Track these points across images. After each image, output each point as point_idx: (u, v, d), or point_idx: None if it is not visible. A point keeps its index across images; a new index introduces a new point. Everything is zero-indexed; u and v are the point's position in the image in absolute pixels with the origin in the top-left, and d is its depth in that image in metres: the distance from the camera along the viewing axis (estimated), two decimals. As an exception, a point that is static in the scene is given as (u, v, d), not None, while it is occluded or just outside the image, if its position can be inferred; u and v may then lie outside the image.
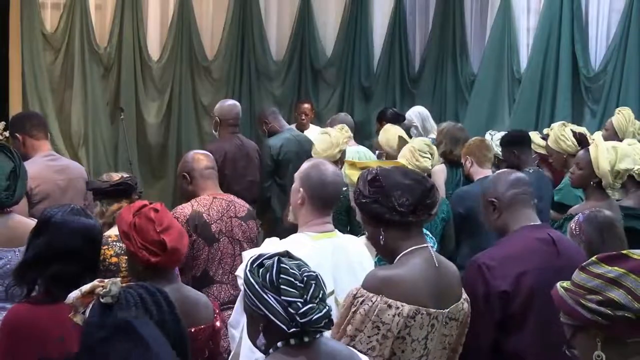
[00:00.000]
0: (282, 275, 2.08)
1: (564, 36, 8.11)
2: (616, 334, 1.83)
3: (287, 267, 2.10)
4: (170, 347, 1.69)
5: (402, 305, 2.56)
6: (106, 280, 1.88)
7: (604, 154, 4.25)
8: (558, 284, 1.94)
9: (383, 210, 2.66)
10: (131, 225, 2.94)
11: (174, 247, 2.93)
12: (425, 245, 2.72)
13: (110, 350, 1.62)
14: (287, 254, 2.19)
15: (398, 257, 2.68)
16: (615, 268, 1.86)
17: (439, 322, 2.67)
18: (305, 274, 2.10)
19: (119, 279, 1.94)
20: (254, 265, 2.14)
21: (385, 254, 2.75)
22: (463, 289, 2.90)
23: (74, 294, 1.90)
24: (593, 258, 1.92)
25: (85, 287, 1.88)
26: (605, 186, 4.28)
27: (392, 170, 2.78)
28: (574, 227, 3.51)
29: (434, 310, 2.64)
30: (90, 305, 1.86)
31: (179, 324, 1.93)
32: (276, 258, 2.12)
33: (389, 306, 2.56)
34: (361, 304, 2.58)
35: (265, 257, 2.15)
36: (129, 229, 2.94)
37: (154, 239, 2.91)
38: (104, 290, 1.84)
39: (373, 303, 2.56)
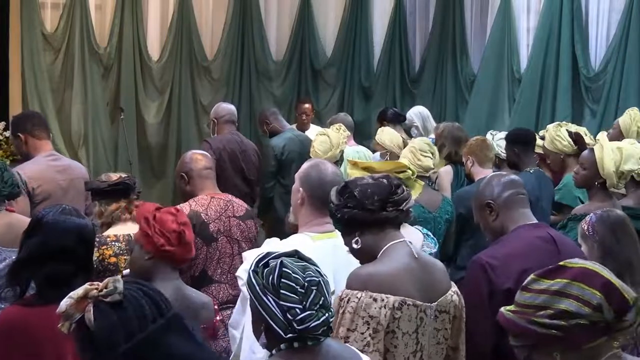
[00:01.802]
0: (283, 280, 2.05)
1: (564, 36, 8.10)
2: (573, 344, 1.85)
3: (289, 270, 2.07)
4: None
5: (387, 297, 2.59)
6: (104, 281, 1.86)
7: (610, 155, 4.25)
8: (502, 309, 1.96)
9: (354, 212, 2.71)
10: (152, 213, 3.04)
11: (189, 241, 3.04)
12: (402, 239, 2.74)
13: (165, 344, 1.64)
14: (295, 254, 2.16)
15: (378, 256, 2.70)
16: (558, 280, 1.88)
17: (428, 316, 2.68)
18: (308, 278, 2.08)
19: (119, 276, 1.92)
20: (259, 265, 2.11)
21: (364, 257, 2.77)
22: (464, 287, 2.90)
23: (66, 302, 1.85)
24: (532, 276, 1.95)
25: (78, 292, 1.85)
26: (609, 187, 4.28)
27: (360, 177, 2.87)
28: (586, 228, 3.50)
29: (421, 303, 2.66)
30: (91, 310, 1.83)
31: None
32: (280, 260, 2.10)
33: (374, 299, 2.58)
34: (347, 302, 2.60)
35: (272, 256, 2.13)
36: (151, 217, 3.03)
37: (174, 228, 3.00)
38: (106, 290, 1.82)
39: (359, 299, 2.59)
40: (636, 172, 4.35)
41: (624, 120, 6.08)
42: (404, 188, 2.79)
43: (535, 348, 1.89)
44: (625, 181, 4.31)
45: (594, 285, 1.85)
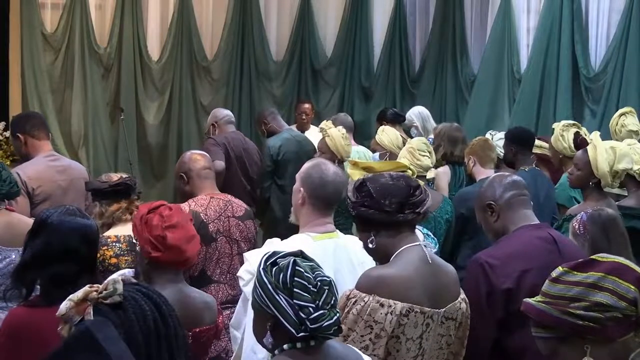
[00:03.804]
0: (296, 278, 2.05)
1: (564, 36, 8.10)
2: (607, 336, 1.85)
3: (301, 270, 2.07)
4: (129, 352, 1.67)
5: (394, 304, 2.58)
6: (104, 282, 1.86)
7: (603, 154, 4.25)
8: (531, 300, 1.95)
9: (371, 212, 2.70)
10: (142, 218, 2.98)
11: (175, 245, 2.93)
12: (417, 243, 2.73)
13: None
14: (300, 254, 2.16)
15: (392, 257, 2.70)
16: (591, 273, 1.89)
17: (434, 322, 2.68)
18: (319, 278, 2.08)
19: (118, 276, 1.92)
20: (267, 264, 2.11)
21: (378, 257, 2.77)
22: (463, 287, 2.90)
23: (66, 305, 1.84)
24: (562, 268, 1.94)
25: (77, 295, 1.85)
26: (604, 186, 4.28)
27: (378, 175, 2.86)
28: (577, 227, 3.51)
29: (429, 309, 2.65)
30: (91, 312, 1.83)
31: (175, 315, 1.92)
32: (292, 259, 2.09)
33: (381, 305, 2.58)
34: (354, 304, 2.60)
35: (279, 255, 2.12)
36: (139, 222, 2.99)
37: (158, 233, 2.93)
38: (106, 291, 1.82)
39: (365, 303, 2.58)
40: (636, 171, 4.35)
41: (612, 119, 6.10)
42: (422, 189, 2.77)
43: (565, 340, 1.89)
44: (619, 180, 4.30)
45: (629, 280, 1.86)
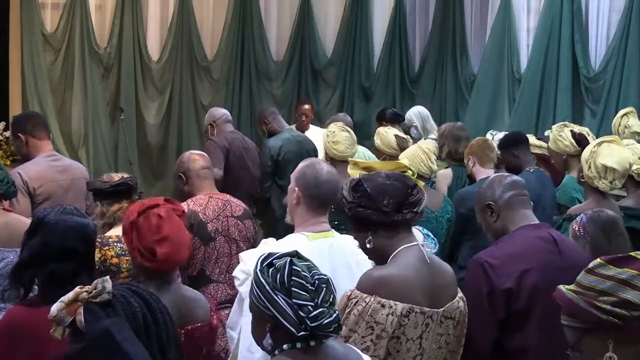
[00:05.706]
0: (293, 278, 2.05)
1: (564, 36, 8.10)
2: (630, 335, 1.84)
3: (298, 269, 2.07)
4: (145, 350, 1.67)
5: (395, 305, 2.58)
6: (93, 282, 1.87)
7: (590, 147, 4.26)
8: (563, 288, 1.94)
9: (368, 212, 2.68)
10: (133, 224, 2.93)
11: (165, 258, 2.89)
12: (415, 243, 2.73)
13: None
14: (296, 254, 2.16)
15: (390, 258, 2.69)
16: (626, 269, 1.87)
17: (434, 322, 2.68)
18: (316, 276, 2.08)
19: (107, 277, 1.93)
20: (263, 265, 2.11)
21: (376, 257, 2.76)
22: (464, 287, 2.90)
23: (57, 306, 1.86)
24: (599, 260, 1.92)
25: (68, 296, 1.86)
26: (586, 178, 4.23)
27: (374, 174, 2.84)
28: (577, 229, 3.49)
29: (428, 309, 2.65)
30: (82, 312, 1.84)
31: (167, 311, 1.93)
32: (288, 259, 2.10)
33: (382, 306, 2.58)
34: (355, 305, 2.60)
35: (275, 256, 2.12)
36: (130, 227, 2.94)
37: (148, 245, 2.88)
38: (95, 290, 1.83)
39: (366, 304, 2.58)
40: (634, 171, 4.34)
41: (614, 120, 6.11)
42: (419, 189, 2.77)
43: (590, 332, 1.87)
44: (607, 181, 4.20)
45: None
